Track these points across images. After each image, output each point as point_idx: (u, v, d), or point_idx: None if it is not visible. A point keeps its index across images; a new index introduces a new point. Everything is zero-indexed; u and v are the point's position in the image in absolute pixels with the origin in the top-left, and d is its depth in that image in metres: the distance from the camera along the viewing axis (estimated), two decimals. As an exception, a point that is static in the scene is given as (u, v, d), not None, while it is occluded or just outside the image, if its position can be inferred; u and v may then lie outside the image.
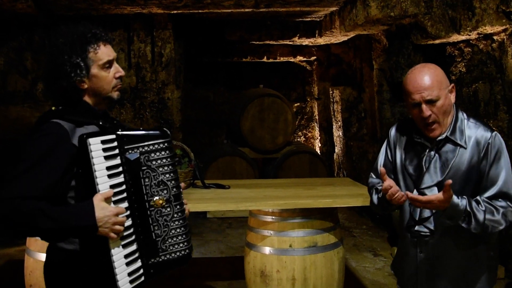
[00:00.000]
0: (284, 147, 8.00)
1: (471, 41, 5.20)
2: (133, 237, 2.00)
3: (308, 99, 10.00)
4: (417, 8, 5.23)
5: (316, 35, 7.84)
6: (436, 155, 2.40)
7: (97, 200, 1.90)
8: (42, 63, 6.27)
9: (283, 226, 3.74)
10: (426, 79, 2.33)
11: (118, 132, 2.00)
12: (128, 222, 1.97)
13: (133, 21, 6.76)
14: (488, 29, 4.67)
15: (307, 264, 3.69)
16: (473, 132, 2.38)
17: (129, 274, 1.96)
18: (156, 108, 6.84)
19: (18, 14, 5.93)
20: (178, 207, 2.08)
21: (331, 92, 9.04)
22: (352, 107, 8.46)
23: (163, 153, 2.05)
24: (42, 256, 3.47)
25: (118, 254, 1.94)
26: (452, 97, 2.40)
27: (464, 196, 2.27)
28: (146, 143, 2.03)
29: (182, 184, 2.18)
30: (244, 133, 7.80)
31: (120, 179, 1.98)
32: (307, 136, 10.06)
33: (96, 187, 1.91)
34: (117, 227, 1.92)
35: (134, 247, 2.00)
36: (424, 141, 2.44)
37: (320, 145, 9.64)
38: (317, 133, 9.84)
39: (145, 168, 2.02)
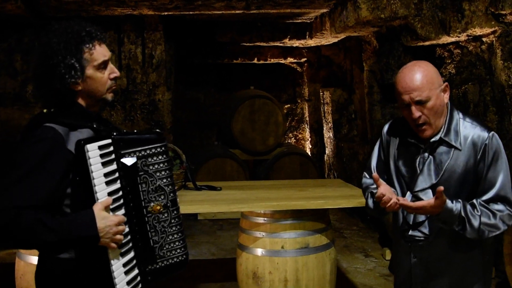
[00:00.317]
0: (275, 148, 8.01)
1: (460, 43, 5.23)
2: (131, 244, 1.95)
3: (299, 101, 10.02)
4: (407, 10, 5.26)
5: (307, 36, 7.86)
6: (430, 157, 2.32)
7: (98, 209, 1.84)
8: (32, 64, 6.21)
9: (275, 228, 3.74)
10: (415, 79, 2.22)
11: (114, 136, 1.94)
12: (126, 229, 1.93)
13: (123, 23, 6.74)
14: (477, 31, 4.70)
15: (299, 266, 3.70)
16: (469, 132, 2.28)
17: (128, 283, 1.93)
18: (147, 110, 6.83)
19: (7, 15, 5.90)
20: (175, 212, 2.04)
21: (321, 93, 9.06)
22: (342, 109, 8.48)
23: (160, 157, 2.01)
24: (33, 259, 3.46)
25: (117, 264, 1.90)
26: (446, 97, 2.30)
27: (459, 200, 2.20)
28: (143, 148, 1.97)
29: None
30: (235, 135, 7.81)
31: (117, 185, 1.92)
32: (297, 138, 10.07)
33: (94, 196, 1.85)
34: (118, 236, 1.87)
35: (131, 254, 1.95)
36: (418, 142, 2.36)
37: (310, 146, 9.66)
38: (307, 134, 9.85)
39: (142, 173, 1.96)
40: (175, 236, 2.04)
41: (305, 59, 9.20)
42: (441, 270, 2.36)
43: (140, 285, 1.97)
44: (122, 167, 1.93)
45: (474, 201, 2.23)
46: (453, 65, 5.41)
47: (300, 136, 10.07)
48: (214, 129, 9.63)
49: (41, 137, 1.86)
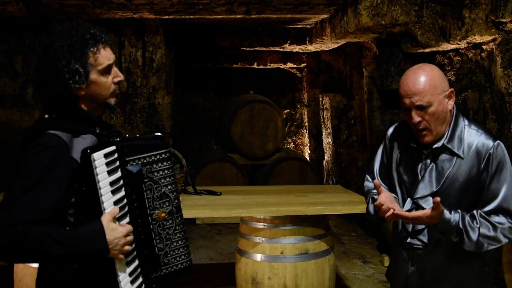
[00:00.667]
0: (274, 153, 8.01)
1: (460, 50, 5.24)
2: (136, 252, 1.92)
3: (298, 106, 10.03)
4: (408, 17, 5.27)
5: (307, 42, 7.87)
6: (432, 163, 2.25)
7: (106, 221, 1.80)
8: (33, 66, 6.20)
9: (275, 233, 3.74)
10: (418, 82, 2.17)
11: (119, 143, 1.89)
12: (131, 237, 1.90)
13: (124, 26, 6.75)
14: (478, 39, 4.71)
15: (298, 271, 3.70)
16: (474, 140, 2.20)
17: None
18: (146, 114, 6.83)
19: (8, 16, 5.90)
20: (179, 219, 2.01)
21: (320, 99, 9.07)
22: (341, 114, 8.49)
23: (164, 163, 1.97)
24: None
25: (123, 274, 1.87)
26: (450, 103, 2.22)
27: (458, 211, 2.13)
28: (148, 154, 1.93)
29: None
30: (234, 139, 7.81)
31: (123, 192, 1.89)
32: (296, 143, 10.08)
33: (101, 205, 1.81)
34: (126, 247, 1.84)
35: (137, 262, 1.92)
36: (420, 148, 2.29)
37: (309, 151, 9.66)
38: (306, 139, 9.86)
39: (147, 180, 1.93)
40: (180, 242, 2.01)
41: (305, 64, 9.22)
42: (438, 280, 2.30)
43: None
44: (127, 174, 1.89)
45: (475, 212, 2.16)
46: (453, 72, 5.42)
47: (299, 141, 10.08)
48: (213, 133, 9.63)
49: (45, 145, 1.80)
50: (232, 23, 7.37)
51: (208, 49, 8.43)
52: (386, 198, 2.20)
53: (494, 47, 4.64)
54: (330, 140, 8.70)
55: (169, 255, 1.99)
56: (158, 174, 1.95)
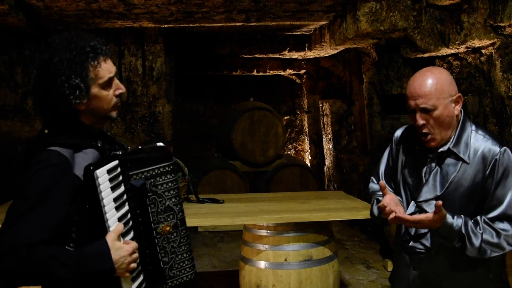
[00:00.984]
0: (275, 160, 8.02)
1: (459, 55, 5.26)
2: (141, 267, 1.90)
3: (298, 112, 10.04)
4: (407, 22, 5.29)
5: (306, 48, 7.90)
6: (437, 167, 2.23)
7: (111, 240, 1.77)
8: (33, 78, 6.20)
9: (278, 240, 3.75)
10: (424, 85, 2.14)
11: (121, 157, 1.86)
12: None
13: (124, 35, 6.77)
14: (477, 43, 4.73)
15: (302, 278, 3.70)
16: (480, 145, 2.18)
17: None
18: (147, 122, 6.84)
19: (8, 27, 5.92)
20: (184, 231, 1.98)
21: (320, 105, 9.09)
22: (342, 120, 8.51)
23: (168, 176, 1.93)
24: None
25: None
26: (457, 108, 2.20)
27: (461, 216, 2.10)
28: (151, 168, 1.90)
29: None
30: (235, 147, 7.81)
31: (126, 207, 1.87)
32: (297, 149, 10.09)
33: (105, 223, 1.79)
34: (132, 265, 1.82)
35: (142, 277, 1.90)
36: (426, 151, 2.27)
37: (310, 158, 9.67)
38: (307, 146, 9.87)
39: (151, 194, 1.90)
40: (184, 255, 1.99)
41: (304, 70, 9.24)
42: (441, 285, 2.27)
43: None
44: (130, 188, 1.87)
45: (478, 218, 2.13)
46: (452, 77, 5.44)
47: (299, 147, 10.09)
48: (213, 141, 9.64)
49: (46, 163, 1.75)
50: (231, 31, 7.40)
51: (208, 57, 8.45)
52: (390, 200, 2.17)
53: (493, 51, 4.66)
54: (330, 146, 8.71)
55: (174, 268, 1.97)
56: (162, 188, 1.92)
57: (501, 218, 2.13)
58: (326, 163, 9.07)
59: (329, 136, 8.71)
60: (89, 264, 1.73)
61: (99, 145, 1.91)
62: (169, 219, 1.94)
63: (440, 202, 2.01)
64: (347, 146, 8.45)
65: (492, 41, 4.55)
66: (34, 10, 5.57)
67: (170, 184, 1.94)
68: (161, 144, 1.97)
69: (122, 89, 1.96)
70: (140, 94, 6.85)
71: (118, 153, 1.88)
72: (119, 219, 1.83)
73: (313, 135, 9.57)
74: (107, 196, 1.79)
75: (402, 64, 6.25)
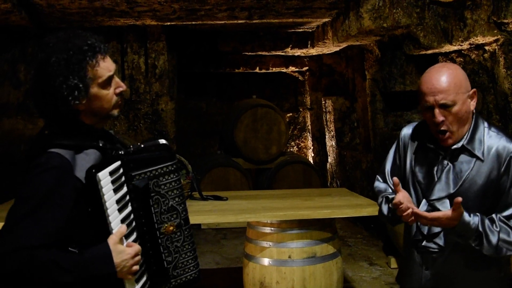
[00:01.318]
0: (278, 157, 8.02)
1: (463, 51, 5.25)
2: (144, 267, 1.89)
3: (301, 109, 10.04)
4: (410, 19, 5.29)
5: (309, 45, 7.89)
6: (450, 164, 2.19)
7: (113, 243, 1.75)
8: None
9: (282, 237, 3.75)
10: (442, 80, 2.09)
11: (124, 157, 1.83)
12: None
13: (126, 33, 6.77)
14: (480, 40, 4.72)
15: (306, 275, 3.70)
16: (494, 142, 2.15)
17: None
18: (150, 120, 6.84)
19: (11, 26, 5.92)
20: (187, 230, 1.97)
21: (323, 102, 9.08)
22: (344, 117, 8.50)
23: (172, 176, 1.91)
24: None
25: None
26: (472, 104, 2.17)
27: (477, 214, 2.07)
28: (154, 168, 1.87)
29: None
30: (237, 144, 7.82)
31: (129, 208, 1.85)
32: (300, 146, 10.09)
33: (108, 226, 1.76)
34: (135, 267, 1.79)
35: (145, 277, 1.89)
36: (437, 148, 2.23)
37: (313, 155, 9.67)
38: (310, 143, 9.87)
39: (154, 194, 1.88)
40: (188, 254, 1.98)
41: (307, 67, 9.24)
42: (454, 285, 2.24)
43: None
44: (133, 189, 1.84)
45: (494, 216, 2.10)
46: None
47: (302, 144, 10.09)
48: (216, 137, 9.65)
49: (47, 166, 1.72)
50: (234, 28, 7.40)
51: (210, 54, 8.46)
52: (404, 198, 2.13)
53: (496, 47, 4.65)
54: (333, 143, 8.71)
55: (178, 267, 1.96)
56: (165, 187, 1.90)
57: None
58: (329, 160, 9.07)
59: (332, 133, 8.70)
60: (91, 268, 1.71)
61: (101, 145, 1.88)
62: (172, 218, 1.92)
63: (460, 199, 1.98)
64: (350, 143, 8.45)
65: (495, 37, 4.54)
66: (36, 8, 5.58)
67: (173, 184, 1.92)
68: (163, 141, 1.94)
69: (122, 87, 1.92)
70: (143, 92, 6.85)
71: (120, 153, 1.86)
72: (122, 221, 1.81)
73: (316, 132, 9.57)
74: (110, 198, 1.77)
75: (405, 61, 6.24)
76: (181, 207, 1.94)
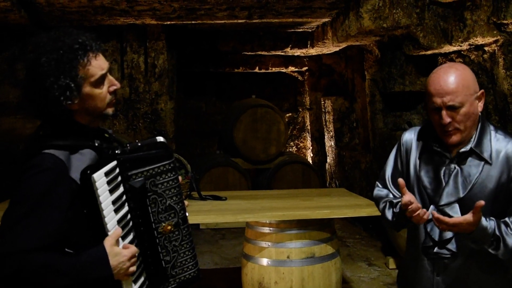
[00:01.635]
0: (277, 157, 8.02)
1: (462, 52, 5.25)
2: (142, 267, 1.88)
3: (300, 109, 10.04)
4: (410, 19, 5.28)
5: (308, 45, 7.89)
6: (457, 168, 2.14)
7: (109, 245, 1.73)
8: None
9: (281, 238, 3.75)
10: (450, 81, 2.04)
11: (120, 157, 1.81)
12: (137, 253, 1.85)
13: (126, 32, 6.77)
14: (480, 40, 4.72)
15: (305, 275, 3.70)
16: (502, 145, 2.11)
17: None
18: (149, 119, 6.84)
19: (10, 24, 5.91)
20: (186, 230, 1.95)
21: (322, 102, 9.08)
22: (344, 117, 8.50)
23: (169, 174, 1.88)
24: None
25: None
26: (480, 105, 2.12)
27: (492, 218, 2.02)
28: (151, 167, 1.85)
29: None
30: (237, 144, 7.81)
31: (126, 208, 1.83)
32: (299, 146, 10.09)
33: (104, 227, 1.75)
34: (131, 269, 1.78)
35: (143, 277, 1.88)
36: (444, 151, 2.18)
37: (312, 155, 9.67)
38: (309, 143, 9.87)
39: (151, 193, 1.86)
40: (187, 253, 1.97)
41: (306, 67, 9.23)
42: None
43: None
44: (130, 189, 1.82)
45: (507, 219, 2.06)
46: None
47: (301, 144, 10.08)
48: (215, 137, 9.64)
49: (41, 167, 1.70)
50: (234, 27, 7.39)
51: (210, 54, 8.45)
52: (413, 198, 2.07)
53: (496, 48, 4.65)
54: (332, 143, 8.71)
55: (176, 267, 1.95)
56: (163, 187, 1.87)
57: None
58: (328, 160, 9.06)
59: (331, 133, 8.70)
60: (87, 271, 1.70)
61: (96, 144, 1.85)
62: (170, 218, 1.90)
63: (482, 202, 1.93)
64: (349, 143, 8.45)
65: (495, 38, 4.54)
66: (36, 7, 5.56)
67: (171, 183, 1.89)
68: (161, 139, 1.91)
69: (116, 85, 1.90)
70: (142, 91, 6.85)
71: (117, 152, 1.83)
72: (119, 221, 1.80)
73: (315, 132, 9.56)
74: (106, 199, 1.75)
75: (404, 61, 6.24)
76: (178, 206, 1.92)
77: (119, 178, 1.81)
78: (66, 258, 1.71)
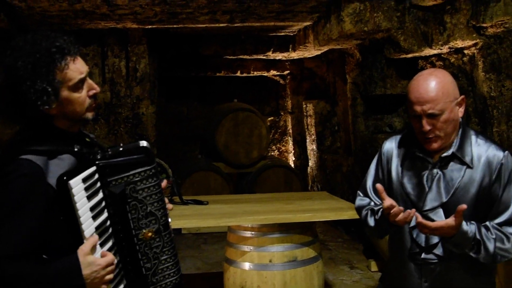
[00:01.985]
0: (259, 161, 8.00)
1: (442, 55, 5.30)
2: (122, 274, 1.85)
3: (282, 113, 10.05)
4: (390, 23, 5.32)
5: (290, 49, 7.90)
6: (440, 173, 2.15)
7: (82, 255, 1.69)
8: None
9: (263, 241, 3.73)
10: (430, 89, 2.05)
11: (99, 163, 1.78)
12: (116, 260, 1.81)
13: (107, 36, 6.72)
14: (459, 43, 4.77)
15: (287, 279, 3.69)
16: (482, 150, 2.13)
17: None
18: (130, 124, 6.79)
19: (-11, 29, 5.84)
20: (167, 236, 1.91)
21: (304, 106, 9.10)
22: (325, 121, 8.52)
23: (150, 180, 1.84)
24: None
25: None
26: (461, 111, 2.14)
27: (473, 222, 2.04)
28: (131, 173, 1.81)
29: None
30: (219, 148, 7.79)
31: (105, 214, 1.80)
32: (281, 150, 10.09)
33: (81, 234, 1.71)
34: (107, 277, 1.74)
35: (122, 286, 1.85)
36: (426, 157, 2.19)
37: (294, 158, 9.67)
38: (291, 147, 9.88)
39: (131, 200, 1.82)
40: (168, 260, 1.94)
41: (288, 71, 9.25)
42: None
43: None
44: (109, 195, 1.79)
45: (487, 223, 2.09)
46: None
47: (283, 148, 10.09)
48: (197, 142, 9.60)
49: (17, 173, 1.67)
50: (216, 31, 7.38)
51: (192, 57, 8.42)
52: (393, 202, 2.07)
53: (475, 51, 4.70)
54: (314, 147, 8.72)
55: (157, 274, 1.92)
56: (143, 192, 1.84)
57: (509, 222, 2.10)
58: (310, 164, 9.08)
59: (313, 137, 8.72)
60: (58, 281, 1.67)
61: (76, 149, 1.82)
62: (151, 224, 1.87)
63: (464, 206, 1.94)
64: (330, 146, 8.47)
65: (474, 41, 4.59)
66: (16, 11, 5.50)
67: (152, 189, 1.86)
68: (144, 143, 1.87)
69: (96, 89, 1.87)
70: (124, 96, 6.80)
71: (97, 157, 1.80)
72: (97, 228, 1.76)
73: (297, 136, 9.57)
74: (83, 206, 1.72)
75: (385, 64, 6.27)
76: (160, 213, 1.88)
77: (98, 184, 1.78)
78: (38, 267, 1.69)
